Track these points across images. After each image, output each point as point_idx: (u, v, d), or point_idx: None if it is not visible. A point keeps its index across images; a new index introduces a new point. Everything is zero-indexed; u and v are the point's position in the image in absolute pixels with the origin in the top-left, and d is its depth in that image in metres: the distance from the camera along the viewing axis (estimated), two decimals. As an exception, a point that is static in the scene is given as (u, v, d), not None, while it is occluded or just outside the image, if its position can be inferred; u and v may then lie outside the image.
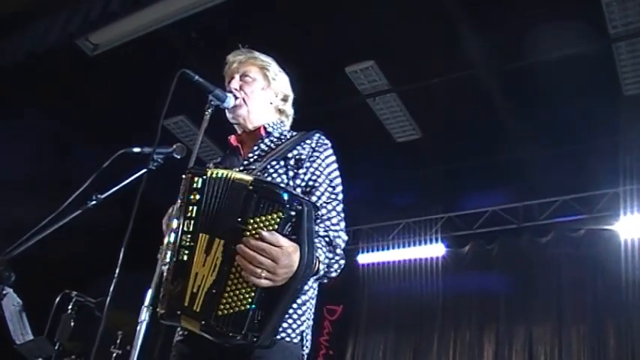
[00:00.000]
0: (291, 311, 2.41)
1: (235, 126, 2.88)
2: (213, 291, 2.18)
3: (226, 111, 2.80)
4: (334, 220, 2.51)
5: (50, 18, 6.97)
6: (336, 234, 2.47)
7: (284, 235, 2.16)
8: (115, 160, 2.86)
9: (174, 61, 6.31)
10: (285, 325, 2.40)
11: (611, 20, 6.03)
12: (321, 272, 2.36)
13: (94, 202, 2.87)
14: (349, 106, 7.74)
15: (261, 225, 2.16)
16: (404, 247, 9.59)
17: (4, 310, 4.18)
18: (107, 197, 2.91)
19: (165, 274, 2.27)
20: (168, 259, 2.25)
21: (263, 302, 2.15)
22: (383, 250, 9.74)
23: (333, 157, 2.67)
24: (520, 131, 7.63)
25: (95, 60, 7.36)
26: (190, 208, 2.31)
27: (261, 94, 2.84)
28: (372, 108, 7.73)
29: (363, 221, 9.72)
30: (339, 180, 2.64)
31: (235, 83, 2.83)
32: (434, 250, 9.30)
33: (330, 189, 2.57)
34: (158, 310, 2.25)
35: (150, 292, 2.18)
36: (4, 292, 2.97)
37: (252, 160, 2.67)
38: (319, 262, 2.32)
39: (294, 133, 2.80)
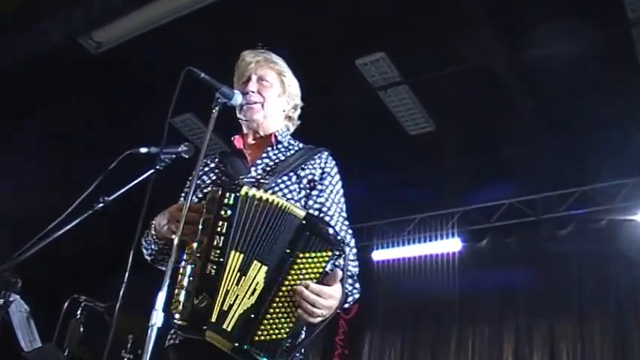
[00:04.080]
0: None
1: (244, 127, 2.93)
2: (252, 315, 2.28)
3: (238, 111, 2.86)
4: (351, 256, 2.60)
5: (51, 17, 6.99)
6: (355, 270, 2.63)
7: (327, 273, 2.34)
8: (121, 161, 2.87)
9: (180, 57, 6.32)
10: None
11: (629, 4, 6.00)
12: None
13: (101, 205, 2.88)
14: (360, 99, 7.72)
15: (310, 262, 2.32)
16: (419, 242, 9.55)
17: (11, 317, 4.20)
18: (114, 199, 2.91)
19: (185, 284, 2.31)
20: (188, 271, 2.31)
21: (296, 332, 2.32)
22: (398, 246, 9.70)
23: (341, 182, 2.80)
24: (536, 121, 7.59)
25: (99, 59, 7.37)
26: (220, 223, 2.34)
27: (277, 101, 2.92)
28: (384, 101, 7.72)
29: (376, 217, 9.70)
30: (344, 206, 2.78)
31: (253, 86, 2.87)
32: (450, 245, 9.27)
33: (341, 219, 2.71)
34: (176, 320, 2.29)
35: (161, 295, 2.18)
36: (11, 298, 2.99)
37: (260, 169, 2.73)
38: (351, 296, 2.55)
39: (300, 144, 2.90)
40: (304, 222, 2.35)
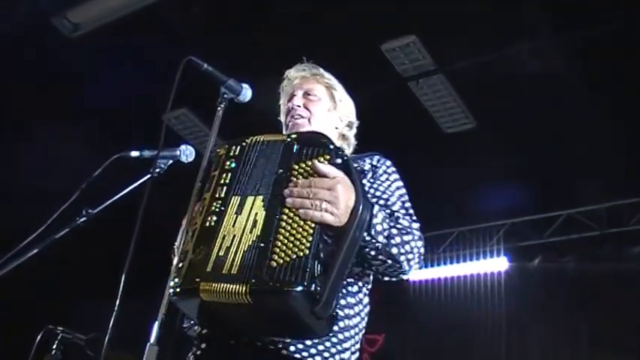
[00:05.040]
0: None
1: None
2: (262, 245, 2.27)
3: (285, 129, 3.00)
4: (405, 223, 2.59)
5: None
6: (402, 219, 2.59)
7: None
8: (108, 167, 2.89)
9: (171, 43, 6.36)
10: (321, 347, 2.49)
11: None
12: (379, 237, 2.45)
13: (84, 219, 2.90)
14: (387, 90, 7.73)
15: (307, 169, 2.36)
16: (458, 261, 9.59)
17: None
18: (100, 212, 2.94)
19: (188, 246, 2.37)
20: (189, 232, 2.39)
21: (321, 252, 2.25)
22: (432, 265, 9.73)
23: (402, 182, 2.81)
24: (602, 116, 7.53)
25: (76, 42, 7.40)
26: (225, 175, 2.46)
27: (327, 116, 3.02)
28: (415, 93, 7.72)
29: (406, 231, 9.69)
30: (410, 205, 2.75)
31: (298, 100, 2.99)
32: (495, 264, 9.28)
33: (402, 211, 2.69)
34: (171, 286, 2.29)
35: (156, 326, 2.20)
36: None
37: None
38: (374, 217, 2.43)
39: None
40: (289, 140, 2.45)
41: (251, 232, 2.30)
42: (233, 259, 2.26)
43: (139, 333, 2.33)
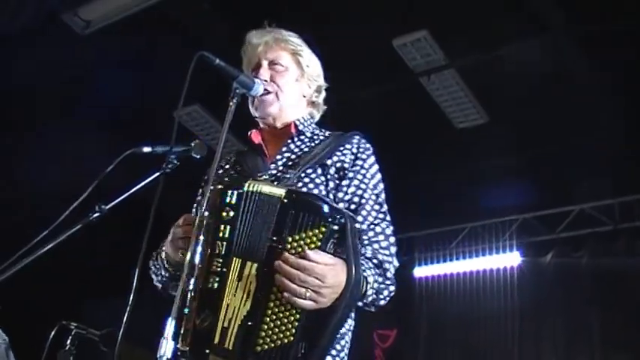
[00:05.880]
0: None
1: (260, 123, 2.96)
2: (249, 323, 2.29)
3: (251, 104, 2.90)
4: (383, 244, 2.64)
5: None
6: (385, 257, 2.61)
7: (328, 253, 2.31)
8: (120, 164, 2.88)
9: (183, 39, 6.35)
10: None
11: None
12: (370, 298, 2.52)
13: (97, 215, 2.90)
14: (398, 86, 7.71)
15: (302, 243, 2.30)
16: (470, 257, 9.57)
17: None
18: (112, 208, 2.94)
19: (187, 302, 2.32)
20: (191, 286, 2.31)
21: (307, 332, 2.27)
22: (444, 261, 9.73)
23: (377, 166, 2.81)
24: (614, 110, 7.51)
25: (87, 40, 7.41)
26: (223, 227, 2.39)
27: (295, 87, 2.94)
28: (427, 88, 7.70)
29: (418, 227, 9.69)
30: (384, 195, 2.77)
31: (265, 73, 2.88)
32: (507, 259, 9.26)
33: (377, 207, 2.71)
34: (179, 347, 2.30)
35: (170, 321, 2.20)
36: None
37: (280, 164, 2.77)
38: (367, 284, 2.47)
39: (327, 133, 2.91)
40: (285, 200, 2.35)
41: (244, 305, 2.31)
42: (231, 334, 2.30)
43: (152, 328, 2.34)
